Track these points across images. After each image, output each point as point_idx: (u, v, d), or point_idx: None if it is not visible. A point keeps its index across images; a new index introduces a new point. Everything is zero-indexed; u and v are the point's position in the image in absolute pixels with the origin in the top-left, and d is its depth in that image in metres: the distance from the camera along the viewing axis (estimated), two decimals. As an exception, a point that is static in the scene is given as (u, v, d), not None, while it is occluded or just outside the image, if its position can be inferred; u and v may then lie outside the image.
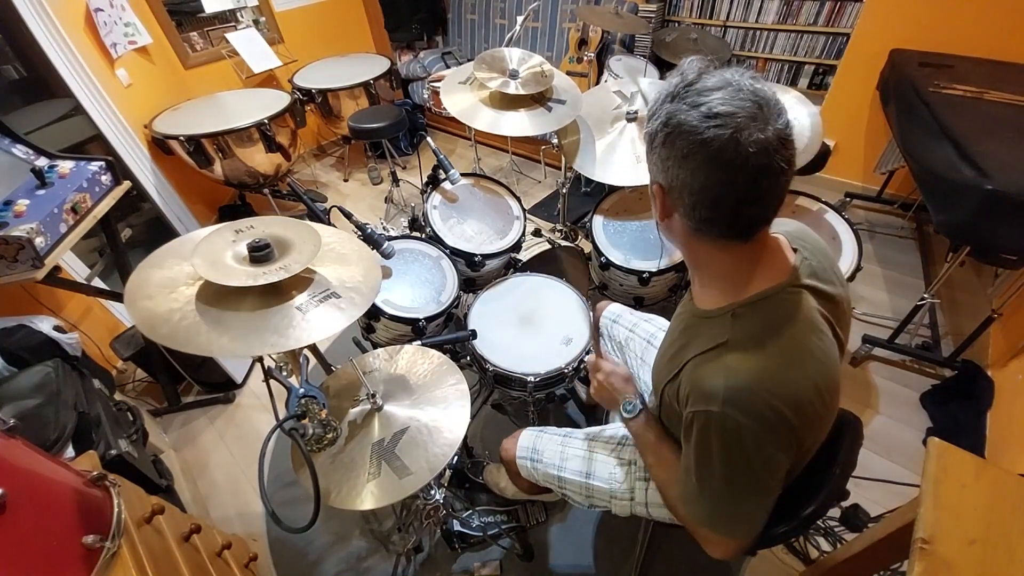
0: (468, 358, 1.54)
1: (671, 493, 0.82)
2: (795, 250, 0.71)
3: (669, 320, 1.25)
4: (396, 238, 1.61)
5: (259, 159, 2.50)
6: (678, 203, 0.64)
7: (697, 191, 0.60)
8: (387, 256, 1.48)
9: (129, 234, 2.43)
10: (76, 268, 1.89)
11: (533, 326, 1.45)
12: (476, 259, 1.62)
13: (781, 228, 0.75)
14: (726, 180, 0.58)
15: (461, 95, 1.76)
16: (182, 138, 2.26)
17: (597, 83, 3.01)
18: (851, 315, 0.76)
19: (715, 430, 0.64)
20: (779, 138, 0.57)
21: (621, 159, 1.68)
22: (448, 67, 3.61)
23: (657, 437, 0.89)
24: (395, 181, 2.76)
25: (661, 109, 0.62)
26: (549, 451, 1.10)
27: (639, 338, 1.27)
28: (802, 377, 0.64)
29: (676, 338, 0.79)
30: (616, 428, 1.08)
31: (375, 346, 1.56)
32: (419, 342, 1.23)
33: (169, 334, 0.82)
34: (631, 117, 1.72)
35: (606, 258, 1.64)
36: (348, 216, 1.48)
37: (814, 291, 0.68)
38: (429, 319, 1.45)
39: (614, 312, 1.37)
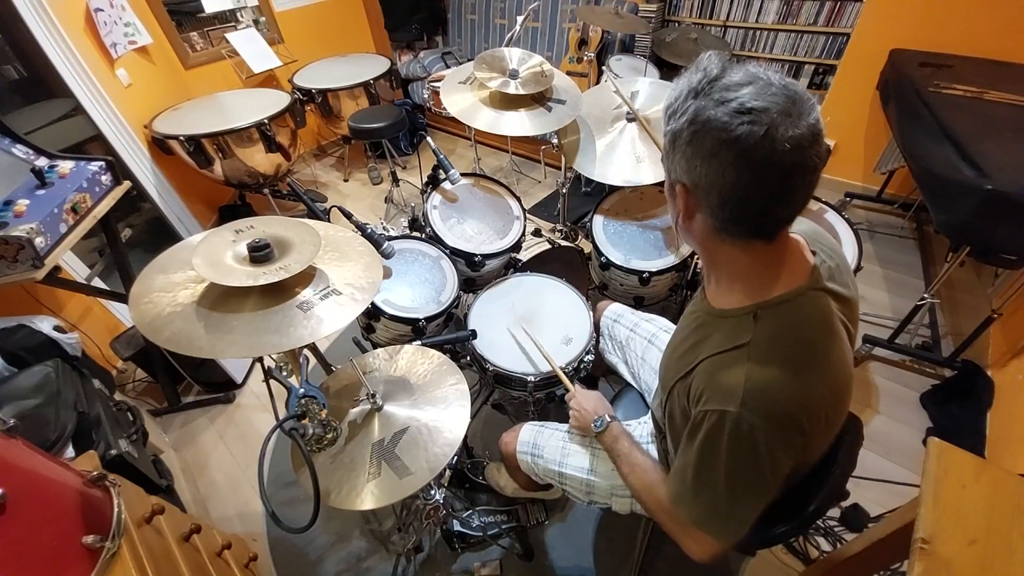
0: (468, 358, 1.54)
1: (655, 495, 0.82)
2: (813, 252, 0.71)
3: (671, 320, 1.27)
4: (396, 238, 1.60)
5: (259, 159, 2.50)
6: (704, 203, 0.62)
7: (727, 190, 0.58)
8: (387, 256, 1.48)
9: (129, 234, 2.44)
10: (76, 268, 1.89)
11: (533, 326, 1.44)
12: (476, 259, 1.62)
13: (796, 228, 0.74)
14: (758, 178, 0.56)
15: (461, 95, 1.76)
16: (182, 138, 2.26)
17: (597, 83, 3.01)
18: (859, 315, 0.77)
19: (728, 430, 0.63)
20: (812, 134, 0.55)
21: (621, 159, 1.68)
22: (448, 67, 3.61)
23: (629, 445, 0.92)
24: (395, 181, 2.76)
25: (684, 106, 0.59)
26: (551, 447, 1.10)
27: (640, 338, 1.27)
28: (820, 384, 0.64)
29: (688, 336, 0.79)
30: None
31: (375, 346, 1.56)
32: (419, 342, 1.23)
33: (171, 338, 0.82)
34: (631, 117, 1.72)
35: (606, 258, 1.64)
36: (348, 216, 1.48)
37: (832, 294, 0.68)
38: (429, 319, 1.45)
39: (615, 312, 1.37)
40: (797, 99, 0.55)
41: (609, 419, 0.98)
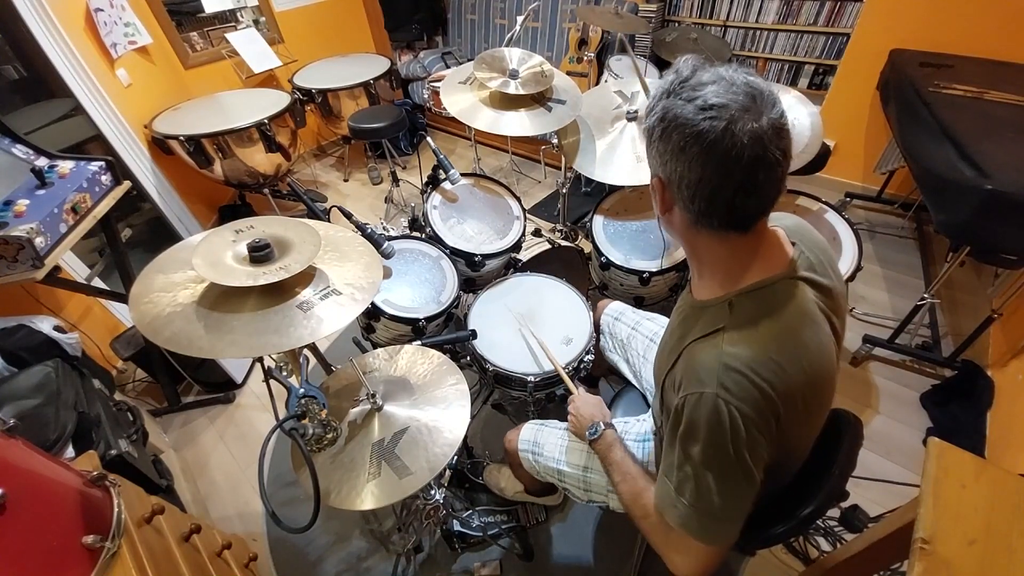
0: (468, 358, 1.54)
1: (641, 503, 0.81)
2: (793, 244, 0.72)
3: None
4: (396, 238, 1.60)
5: (259, 159, 2.50)
6: (677, 196, 0.65)
7: (695, 183, 0.61)
8: (387, 256, 1.48)
9: (129, 234, 2.44)
10: (76, 268, 1.89)
11: (533, 326, 1.44)
12: (476, 259, 1.62)
13: (780, 222, 0.76)
14: (722, 171, 0.59)
15: (461, 95, 1.76)
16: (182, 138, 2.26)
17: (597, 83, 3.01)
18: (847, 310, 0.77)
19: (706, 411, 0.63)
20: (773, 128, 0.57)
21: (621, 159, 1.68)
22: (448, 67, 3.61)
23: (622, 454, 0.92)
24: (395, 181, 2.76)
25: (658, 105, 0.63)
26: (549, 444, 1.11)
27: (642, 336, 1.27)
28: (794, 365, 0.64)
29: (675, 330, 0.80)
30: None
31: (375, 346, 1.56)
32: (419, 342, 1.23)
33: (171, 338, 0.82)
34: (631, 117, 1.72)
35: (606, 258, 1.64)
36: (348, 216, 1.49)
37: (811, 283, 0.69)
38: (429, 319, 1.45)
39: (616, 310, 1.37)
40: (758, 96, 0.58)
41: (604, 426, 0.97)
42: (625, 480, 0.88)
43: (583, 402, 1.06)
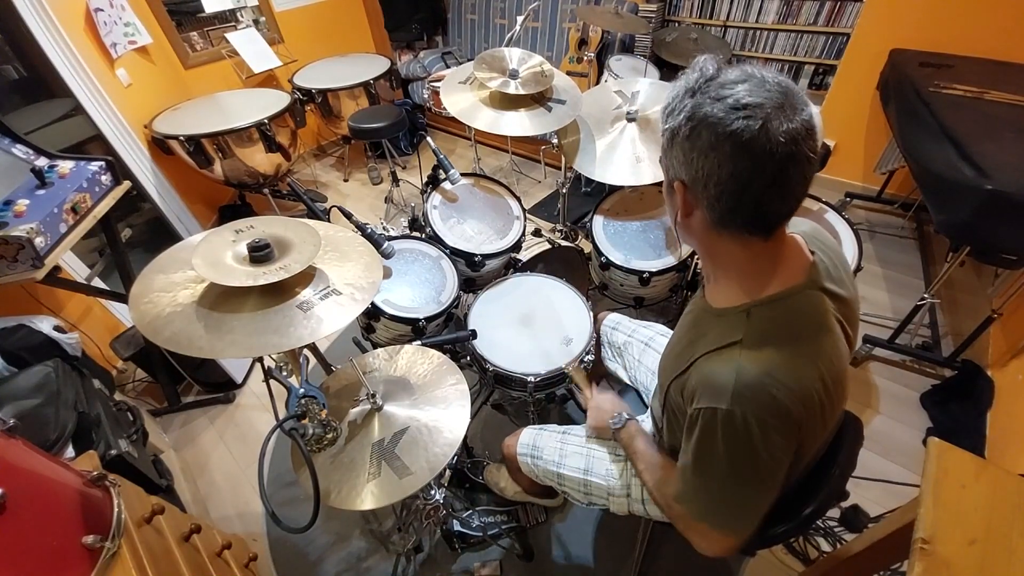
0: (468, 358, 1.54)
1: (665, 492, 0.83)
2: (812, 251, 0.71)
3: (667, 326, 1.29)
4: (396, 238, 1.60)
5: (259, 159, 2.50)
6: (702, 196, 0.63)
7: (724, 181, 0.60)
8: (387, 256, 1.48)
9: (129, 234, 2.44)
10: (76, 268, 1.89)
11: (533, 326, 1.44)
12: (476, 259, 1.62)
13: (796, 228, 0.75)
14: (754, 170, 0.58)
15: (461, 95, 1.76)
16: (182, 138, 2.26)
17: (597, 83, 3.01)
18: (859, 315, 0.77)
19: (721, 426, 0.64)
20: (806, 128, 0.57)
21: (621, 159, 1.67)
22: (448, 67, 3.61)
23: (645, 443, 0.93)
24: (395, 181, 2.76)
25: (682, 104, 0.61)
26: (549, 448, 1.11)
27: (637, 341, 1.28)
28: (812, 372, 0.64)
29: (686, 334, 0.79)
30: None
31: (375, 346, 1.56)
32: (419, 342, 1.23)
33: (171, 338, 0.82)
34: (631, 117, 1.72)
35: (606, 258, 1.64)
36: (348, 216, 1.48)
37: (829, 294, 0.69)
38: (429, 319, 1.45)
39: (614, 320, 1.39)
40: (790, 95, 0.57)
41: (627, 416, 0.99)
42: (648, 469, 0.90)
43: (604, 399, 1.09)
